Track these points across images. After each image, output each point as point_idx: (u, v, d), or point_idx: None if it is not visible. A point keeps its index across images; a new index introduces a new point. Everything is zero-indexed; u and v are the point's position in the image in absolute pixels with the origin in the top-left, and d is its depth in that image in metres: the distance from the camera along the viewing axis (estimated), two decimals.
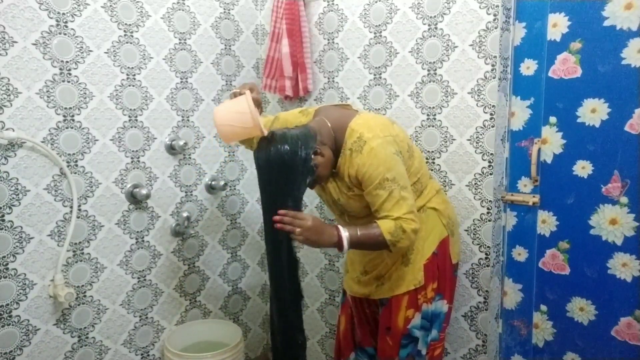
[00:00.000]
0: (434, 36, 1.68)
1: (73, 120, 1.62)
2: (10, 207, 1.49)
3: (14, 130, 1.48)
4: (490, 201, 1.62)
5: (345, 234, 1.31)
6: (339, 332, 1.68)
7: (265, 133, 1.33)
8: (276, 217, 1.29)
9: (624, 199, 1.50)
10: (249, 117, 1.31)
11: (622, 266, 1.52)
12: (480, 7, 1.57)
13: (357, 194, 1.38)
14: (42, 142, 1.55)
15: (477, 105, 1.61)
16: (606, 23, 1.49)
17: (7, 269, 1.50)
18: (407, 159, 1.41)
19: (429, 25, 1.69)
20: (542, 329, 1.70)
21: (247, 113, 1.30)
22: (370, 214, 1.37)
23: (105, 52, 1.68)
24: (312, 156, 1.31)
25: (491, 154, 1.60)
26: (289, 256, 1.36)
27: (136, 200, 1.78)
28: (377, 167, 1.30)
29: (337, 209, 1.51)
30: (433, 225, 1.48)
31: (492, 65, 1.57)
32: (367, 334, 1.61)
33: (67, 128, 1.60)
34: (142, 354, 1.89)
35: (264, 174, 1.34)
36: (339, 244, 1.31)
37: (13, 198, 1.50)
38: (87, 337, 1.71)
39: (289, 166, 1.29)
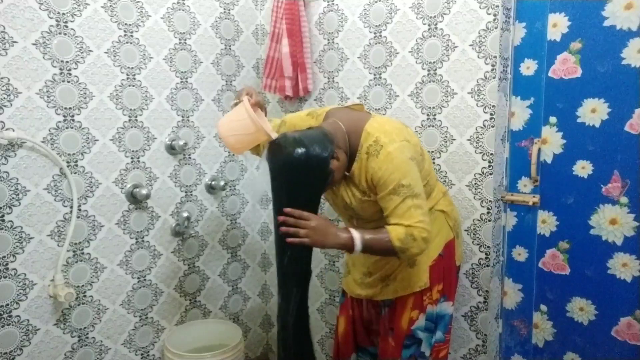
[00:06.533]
0: (434, 36, 1.68)
1: (73, 120, 1.62)
2: (10, 207, 1.49)
3: (14, 130, 1.48)
4: (490, 201, 1.62)
5: (357, 235, 1.27)
6: (338, 333, 1.66)
7: (274, 136, 1.29)
8: (280, 218, 1.25)
9: (624, 199, 1.50)
10: (249, 123, 1.30)
11: (622, 266, 1.52)
12: (480, 7, 1.57)
13: (372, 199, 1.35)
14: (42, 142, 1.55)
15: (477, 105, 1.61)
16: (606, 23, 1.49)
17: (7, 269, 1.50)
18: (420, 162, 1.37)
19: (429, 25, 1.69)
20: (542, 329, 1.70)
21: (247, 119, 1.30)
22: (381, 219, 1.33)
23: (105, 52, 1.68)
24: (330, 160, 1.26)
25: (491, 154, 1.60)
26: (300, 268, 1.31)
27: (136, 200, 1.78)
28: (393, 172, 1.26)
29: (346, 214, 1.48)
30: (440, 227, 1.48)
31: (492, 65, 1.57)
32: (368, 335, 1.61)
33: (67, 128, 1.60)
34: (142, 354, 1.89)
35: (277, 179, 1.28)
36: (349, 245, 1.27)
37: (13, 198, 1.50)
38: (87, 337, 1.71)
39: (306, 170, 1.24)
